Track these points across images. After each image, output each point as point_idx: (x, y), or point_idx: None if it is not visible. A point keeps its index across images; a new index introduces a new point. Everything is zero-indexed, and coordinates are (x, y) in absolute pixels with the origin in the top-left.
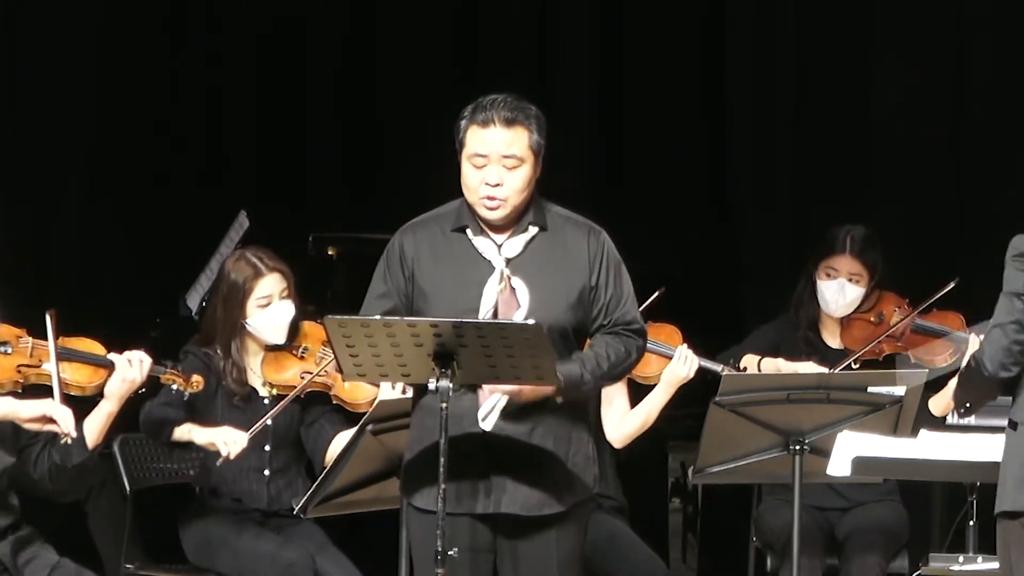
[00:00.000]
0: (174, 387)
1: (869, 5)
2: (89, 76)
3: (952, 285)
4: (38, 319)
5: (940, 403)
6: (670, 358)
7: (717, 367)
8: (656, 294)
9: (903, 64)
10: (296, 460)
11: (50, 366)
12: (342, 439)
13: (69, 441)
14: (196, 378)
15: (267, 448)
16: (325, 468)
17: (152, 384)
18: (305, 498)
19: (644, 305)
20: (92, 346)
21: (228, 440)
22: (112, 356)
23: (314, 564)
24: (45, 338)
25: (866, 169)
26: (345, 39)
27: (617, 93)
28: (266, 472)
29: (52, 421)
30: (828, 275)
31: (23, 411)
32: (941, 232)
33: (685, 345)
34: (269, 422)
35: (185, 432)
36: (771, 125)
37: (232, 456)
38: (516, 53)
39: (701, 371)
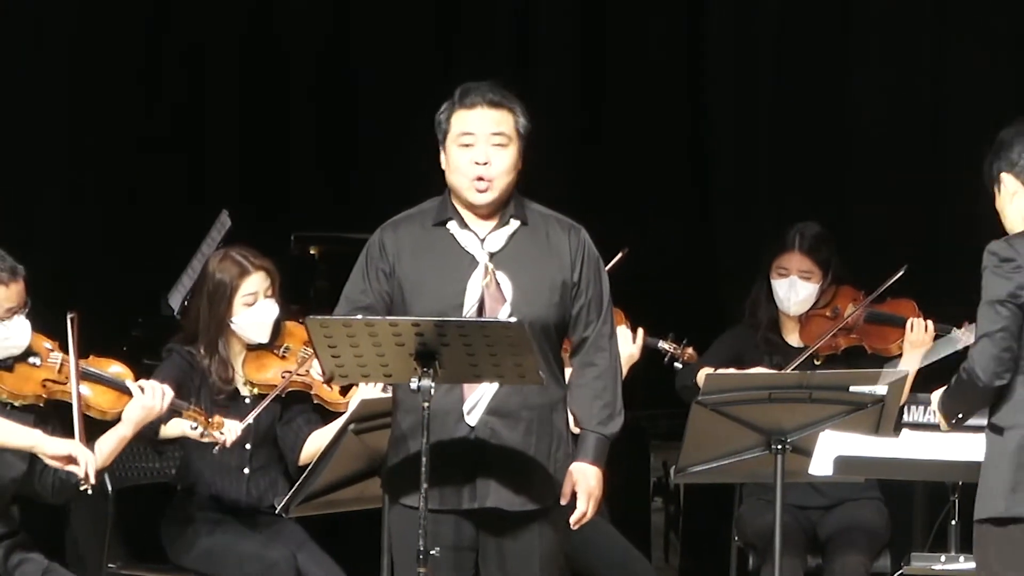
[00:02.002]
0: (194, 425)
1: (848, 7)
2: (65, 75)
3: (900, 274)
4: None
5: None
6: None
7: (657, 341)
8: (619, 255)
9: (882, 67)
10: (277, 459)
11: (73, 395)
12: (317, 437)
13: (89, 491)
14: (218, 419)
15: (248, 446)
16: (300, 466)
17: (171, 418)
18: (287, 497)
19: (609, 266)
20: (118, 370)
21: (226, 431)
22: (138, 383)
23: (296, 563)
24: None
25: (845, 171)
26: (326, 38)
27: (599, 94)
28: (246, 471)
29: (74, 461)
30: (780, 274)
31: (48, 447)
32: (921, 232)
33: (623, 325)
34: (251, 420)
35: (173, 428)
36: (750, 128)
37: (228, 445)
38: (498, 52)
39: (648, 348)
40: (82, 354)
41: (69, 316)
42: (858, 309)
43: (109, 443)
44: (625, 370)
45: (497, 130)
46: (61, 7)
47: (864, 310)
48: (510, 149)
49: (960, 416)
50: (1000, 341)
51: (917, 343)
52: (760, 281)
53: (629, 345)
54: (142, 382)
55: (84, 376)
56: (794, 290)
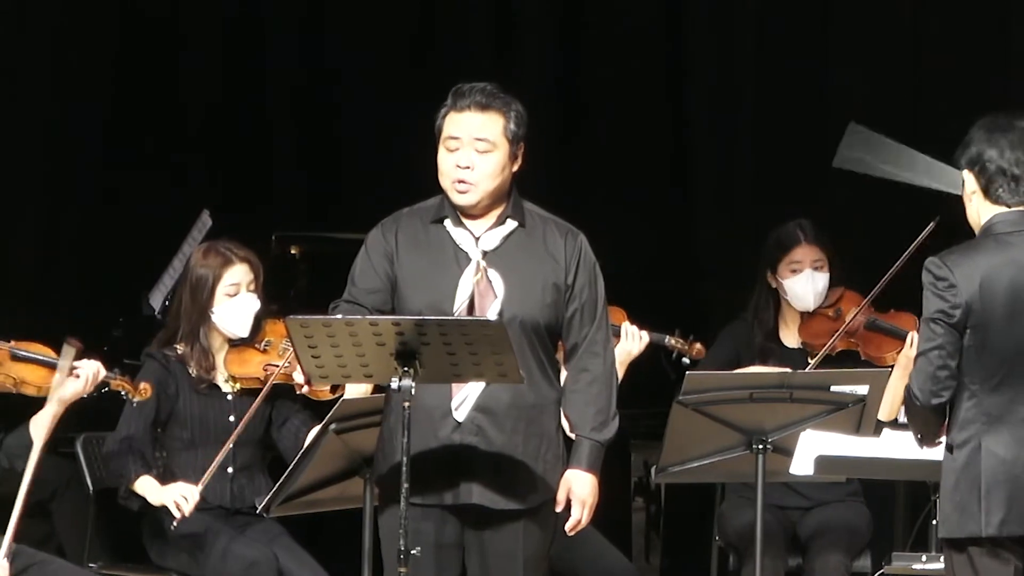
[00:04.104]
0: (123, 393)
1: (826, 6)
2: (47, 70)
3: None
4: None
5: (884, 408)
6: (615, 335)
7: (664, 337)
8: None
9: (861, 63)
10: (260, 458)
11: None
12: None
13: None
14: (144, 386)
15: (230, 446)
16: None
17: (103, 390)
18: (268, 497)
19: None
20: (44, 350)
21: (179, 500)
22: (71, 364)
23: (277, 562)
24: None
25: (825, 169)
26: (303, 36)
27: (578, 92)
28: (229, 469)
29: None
30: (793, 271)
31: None
32: (902, 233)
33: (628, 322)
34: (202, 486)
35: (140, 488)
36: (730, 125)
37: (187, 514)
38: (477, 53)
39: (652, 345)
40: (4, 339)
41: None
42: (859, 315)
43: (44, 424)
44: (624, 368)
45: (481, 135)
46: (42, 12)
47: (866, 316)
48: (494, 155)
49: (920, 437)
50: (935, 359)
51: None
52: (760, 288)
53: (635, 342)
54: (75, 363)
55: (15, 357)
56: (812, 282)
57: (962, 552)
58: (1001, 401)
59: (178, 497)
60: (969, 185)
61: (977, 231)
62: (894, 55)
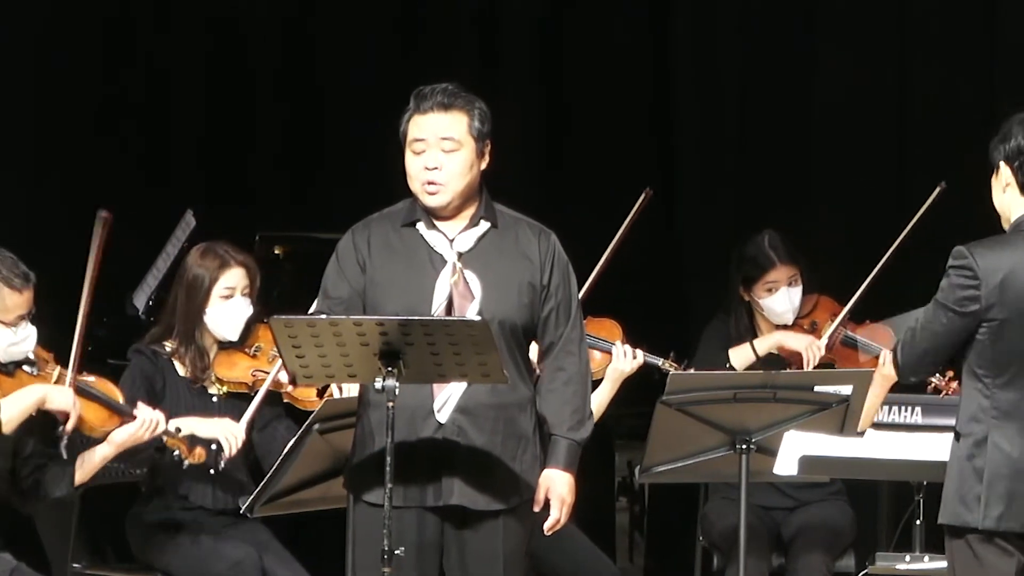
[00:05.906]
0: (175, 452)
1: (812, 5)
2: (30, 72)
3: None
4: None
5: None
6: (607, 352)
7: (658, 360)
8: (644, 196)
9: (847, 64)
10: (242, 459)
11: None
12: None
13: (64, 441)
14: (199, 450)
15: (213, 447)
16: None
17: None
18: (252, 497)
19: (636, 209)
20: (112, 390)
21: (230, 436)
22: (135, 410)
23: (261, 562)
24: (68, 366)
25: (808, 169)
26: (286, 37)
27: (559, 89)
28: (213, 471)
29: (68, 416)
30: (770, 290)
31: (51, 400)
32: (883, 235)
33: (620, 341)
34: (244, 426)
35: (185, 426)
36: (715, 123)
37: (234, 452)
38: (462, 47)
39: (645, 366)
40: (77, 370)
41: (101, 215)
42: (835, 332)
43: (91, 462)
44: (617, 387)
45: (446, 135)
46: (28, 5)
47: (841, 333)
48: (461, 153)
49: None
50: (927, 341)
51: (890, 377)
52: (737, 307)
53: (627, 361)
54: (139, 410)
55: (80, 392)
56: (789, 299)
57: (960, 538)
58: (1013, 397)
59: (228, 434)
60: (1004, 177)
61: (1004, 223)
62: (881, 59)
